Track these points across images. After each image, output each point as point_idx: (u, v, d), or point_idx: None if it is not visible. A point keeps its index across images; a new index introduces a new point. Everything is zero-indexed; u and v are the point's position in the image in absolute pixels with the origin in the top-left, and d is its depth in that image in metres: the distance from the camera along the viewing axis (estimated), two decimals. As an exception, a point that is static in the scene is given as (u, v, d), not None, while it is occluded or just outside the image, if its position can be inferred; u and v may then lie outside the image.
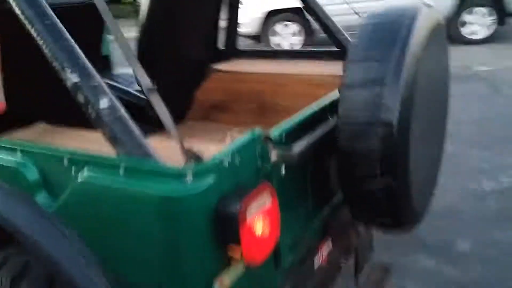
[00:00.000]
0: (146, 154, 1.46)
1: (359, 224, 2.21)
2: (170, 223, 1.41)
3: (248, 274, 1.54)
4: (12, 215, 1.64)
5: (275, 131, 1.66)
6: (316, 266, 2.03)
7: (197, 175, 1.37)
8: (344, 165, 1.73)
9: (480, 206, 3.99)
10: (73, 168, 1.55)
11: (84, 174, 1.51)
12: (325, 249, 2.11)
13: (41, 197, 1.66)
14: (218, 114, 3.17)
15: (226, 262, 1.48)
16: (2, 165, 1.72)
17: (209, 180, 1.39)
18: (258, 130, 1.58)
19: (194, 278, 1.45)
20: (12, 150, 1.71)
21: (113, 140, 1.49)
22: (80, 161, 1.54)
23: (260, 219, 1.44)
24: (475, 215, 3.88)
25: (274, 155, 1.59)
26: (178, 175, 1.38)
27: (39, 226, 1.63)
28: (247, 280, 1.55)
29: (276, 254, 1.69)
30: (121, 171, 1.45)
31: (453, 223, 3.78)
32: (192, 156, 1.40)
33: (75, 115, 2.11)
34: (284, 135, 1.68)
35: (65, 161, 1.57)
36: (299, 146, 1.63)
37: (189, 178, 1.37)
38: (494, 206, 4.00)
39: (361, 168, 1.68)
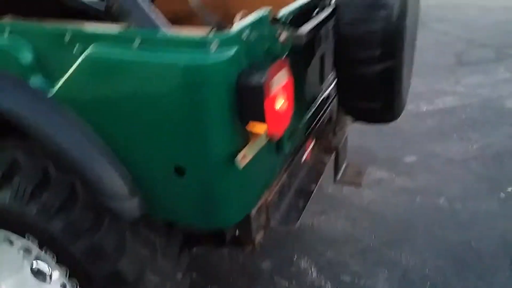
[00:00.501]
0: (158, 25, 1.40)
1: (339, 125, 2.31)
2: (193, 95, 1.37)
3: (258, 155, 1.56)
4: (12, 103, 1.53)
5: (282, 12, 1.65)
6: (302, 160, 2.11)
7: (221, 44, 1.35)
8: (344, 49, 1.77)
9: (420, 125, 4.29)
10: (76, 45, 1.45)
11: (92, 51, 1.42)
12: (309, 147, 2.19)
13: (37, 81, 1.54)
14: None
15: (246, 138, 1.49)
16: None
17: (232, 50, 1.36)
18: (266, 10, 1.57)
19: (216, 154, 1.44)
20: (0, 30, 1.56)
21: (123, 12, 1.41)
22: (85, 37, 1.45)
23: (280, 93, 1.45)
24: (417, 132, 4.18)
25: (282, 36, 1.59)
26: (203, 44, 1.34)
27: (41, 112, 1.53)
28: (258, 161, 1.58)
29: (278, 141, 1.72)
30: (136, 44, 1.39)
31: (399, 140, 4.05)
32: (216, 25, 1.36)
33: (45, 6, 1.97)
34: (291, 17, 1.68)
35: (67, 38, 1.46)
36: (305, 27, 1.64)
37: (214, 47, 1.34)
38: (431, 125, 4.33)
39: (361, 52, 1.73)
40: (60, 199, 1.63)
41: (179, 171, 1.49)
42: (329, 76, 2.18)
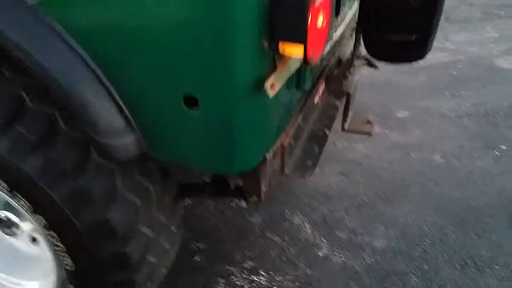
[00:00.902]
0: None
1: (351, 68, 2.07)
2: (213, 4, 1.10)
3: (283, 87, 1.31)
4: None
5: None
6: (315, 102, 1.88)
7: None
8: None
9: (412, 80, 4.12)
10: None
11: None
12: (321, 90, 1.95)
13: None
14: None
15: (273, 63, 1.23)
16: None
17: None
18: None
19: (238, 81, 1.19)
20: None
21: None
22: None
23: (322, 8, 1.19)
24: (408, 87, 4.01)
25: None
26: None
27: (20, 24, 1.22)
28: (280, 95, 1.33)
29: (299, 74, 1.48)
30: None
31: (390, 95, 3.87)
32: None
33: None
34: None
35: None
36: None
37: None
38: (423, 80, 4.16)
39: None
40: (38, 133, 1.35)
41: (190, 101, 1.23)
42: (346, 7, 1.92)
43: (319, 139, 1.81)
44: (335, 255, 2.40)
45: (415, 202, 2.75)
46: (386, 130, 3.42)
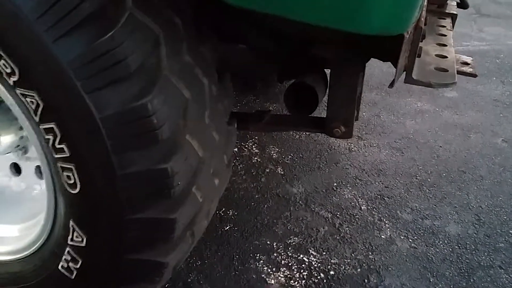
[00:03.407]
0: None
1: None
2: None
3: None
4: None
5: None
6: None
7: None
8: None
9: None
10: None
11: None
12: None
13: None
14: None
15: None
16: None
17: None
18: None
19: None
20: None
21: None
22: None
23: None
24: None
25: None
26: None
27: None
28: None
29: None
30: None
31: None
32: None
33: None
34: None
35: None
36: None
37: None
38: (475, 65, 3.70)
39: None
40: None
41: None
42: None
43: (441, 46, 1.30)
44: (402, 238, 1.85)
45: (485, 186, 2.24)
46: (436, 108, 2.92)
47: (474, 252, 1.85)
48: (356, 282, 1.64)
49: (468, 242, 1.90)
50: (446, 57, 1.29)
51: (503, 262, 1.82)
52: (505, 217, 2.06)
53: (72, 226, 0.95)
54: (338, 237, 1.82)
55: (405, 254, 1.80)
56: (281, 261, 1.67)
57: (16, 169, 1.23)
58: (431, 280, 1.70)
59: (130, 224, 0.93)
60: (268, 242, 1.74)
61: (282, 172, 2.12)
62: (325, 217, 1.91)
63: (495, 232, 1.96)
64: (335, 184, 2.11)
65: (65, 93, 0.83)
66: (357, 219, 1.93)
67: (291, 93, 1.24)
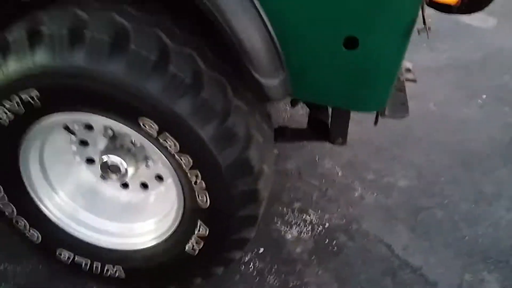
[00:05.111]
0: None
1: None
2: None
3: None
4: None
5: None
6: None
7: None
8: None
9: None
10: None
11: None
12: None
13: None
14: None
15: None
16: None
17: None
18: None
19: (401, 20, 1.30)
20: None
21: None
22: None
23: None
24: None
25: None
26: None
27: None
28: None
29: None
30: None
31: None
32: None
33: None
34: None
35: None
36: None
37: None
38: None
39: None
40: (187, 73, 1.35)
41: (351, 43, 1.30)
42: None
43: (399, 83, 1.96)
44: (369, 195, 2.61)
45: (423, 146, 3.02)
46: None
47: (417, 198, 2.64)
48: (344, 230, 2.39)
49: (413, 191, 2.68)
50: (399, 92, 1.93)
51: (438, 203, 2.63)
52: (438, 169, 2.86)
53: (200, 223, 1.57)
54: (326, 199, 2.55)
55: (373, 205, 2.56)
56: (291, 221, 2.38)
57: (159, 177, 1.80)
58: (392, 222, 2.47)
59: (236, 219, 1.57)
60: (280, 208, 2.43)
61: (277, 152, 2.78)
62: (314, 185, 2.62)
63: (431, 182, 2.76)
64: (318, 157, 2.81)
65: (208, 157, 1.42)
66: (336, 184, 2.65)
67: (313, 125, 1.90)
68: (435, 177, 2.80)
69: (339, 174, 2.72)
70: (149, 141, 1.44)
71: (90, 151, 1.79)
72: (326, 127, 1.87)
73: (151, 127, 1.39)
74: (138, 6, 1.40)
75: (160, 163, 1.62)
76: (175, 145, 1.41)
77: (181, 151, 1.42)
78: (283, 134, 2.02)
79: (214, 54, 1.45)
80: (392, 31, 1.31)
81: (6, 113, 1.46)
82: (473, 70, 3.95)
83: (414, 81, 2.40)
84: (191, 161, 1.43)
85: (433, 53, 4.14)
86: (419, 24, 1.56)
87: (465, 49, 4.27)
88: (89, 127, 1.69)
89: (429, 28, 1.87)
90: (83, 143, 1.77)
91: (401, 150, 2.97)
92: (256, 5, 1.30)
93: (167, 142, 1.41)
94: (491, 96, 3.61)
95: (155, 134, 1.40)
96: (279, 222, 2.37)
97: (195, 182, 1.47)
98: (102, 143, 1.74)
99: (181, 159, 1.43)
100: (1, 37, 1.43)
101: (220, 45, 1.36)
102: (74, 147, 1.80)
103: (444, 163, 2.91)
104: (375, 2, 1.26)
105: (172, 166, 1.48)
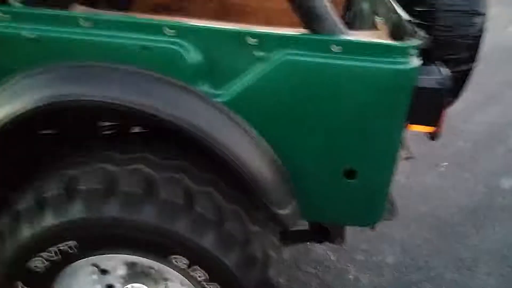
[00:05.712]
0: (344, 32, 1.42)
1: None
2: (389, 97, 1.44)
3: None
4: (185, 112, 1.38)
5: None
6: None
7: (414, 51, 1.43)
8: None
9: None
10: (265, 46, 1.38)
11: (286, 55, 1.37)
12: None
13: (206, 86, 1.41)
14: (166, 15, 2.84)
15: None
16: (145, 46, 1.37)
17: (416, 58, 1.45)
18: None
19: (391, 154, 1.54)
20: (155, 28, 1.37)
21: (315, 18, 1.39)
22: (273, 40, 1.38)
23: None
24: None
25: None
26: (404, 51, 1.41)
27: (213, 119, 1.41)
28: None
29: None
30: (335, 49, 1.38)
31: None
32: (411, 32, 1.43)
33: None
34: None
35: (251, 41, 1.37)
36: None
37: (412, 53, 1.41)
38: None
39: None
40: (211, 211, 1.53)
41: (350, 174, 1.53)
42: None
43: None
44: (363, 275, 2.80)
45: (400, 219, 3.24)
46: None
47: (407, 273, 2.84)
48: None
49: (401, 267, 2.89)
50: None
51: (425, 276, 2.84)
52: (419, 242, 3.09)
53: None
54: (325, 285, 2.71)
55: (367, 285, 2.74)
56: None
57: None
58: (387, 300, 2.65)
59: None
60: None
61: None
62: (310, 272, 2.78)
63: (415, 255, 2.98)
64: (308, 243, 2.99)
65: (233, 282, 1.58)
66: (331, 268, 2.83)
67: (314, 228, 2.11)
68: (417, 249, 3.02)
69: (332, 258, 2.90)
70: (180, 273, 1.59)
71: (110, 278, 1.90)
72: (326, 229, 2.07)
73: (182, 262, 1.55)
74: (161, 155, 1.60)
75: (179, 283, 1.76)
76: (204, 275, 1.57)
77: (211, 279, 1.57)
78: (286, 237, 2.19)
79: (227, 185, 1.64)
80: (384, 162, 1.57)
81: (44, 263, 1.58)
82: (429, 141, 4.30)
83: (411, 158, 2.63)
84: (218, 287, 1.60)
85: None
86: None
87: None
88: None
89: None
90: (104, 271, 1.88)
91: (383, 226, 3.19)
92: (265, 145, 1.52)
93: (196, 273, 1.57)
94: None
95: (186, 267, 1.56)
96: None
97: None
98: (122, 270, 1.86)
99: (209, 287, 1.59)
100: (39, 192, 1.57)
101: (232, 177, 1.55)
102: (95, 277, 1.90)
103: (422, 235, 3.14)
104: (369, 141, 1.52)
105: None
